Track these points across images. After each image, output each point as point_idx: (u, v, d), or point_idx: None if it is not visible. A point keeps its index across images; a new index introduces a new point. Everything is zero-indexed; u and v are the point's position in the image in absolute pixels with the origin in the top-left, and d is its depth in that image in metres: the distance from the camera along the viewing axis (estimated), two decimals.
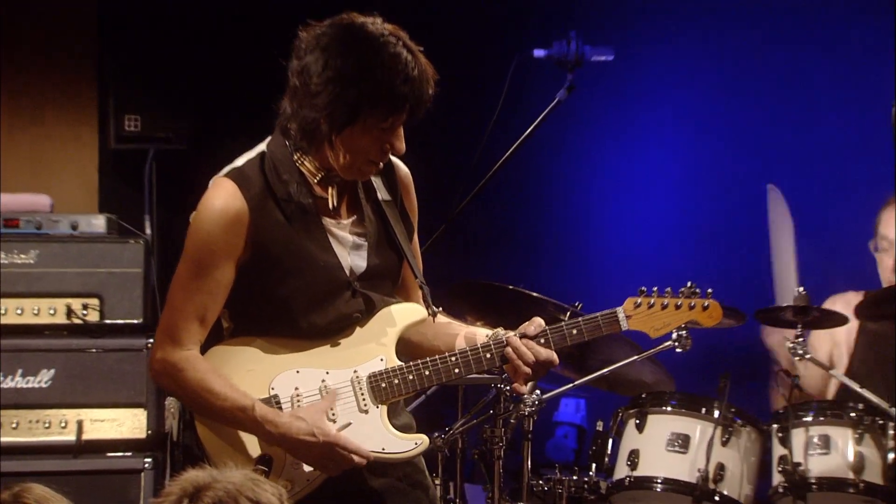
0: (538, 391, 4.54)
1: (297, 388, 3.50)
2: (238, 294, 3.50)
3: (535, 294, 4.93)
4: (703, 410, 4.91)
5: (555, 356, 3.55)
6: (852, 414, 4.80)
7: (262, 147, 3.55)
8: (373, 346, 3.55)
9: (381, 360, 3.55)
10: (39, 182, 5.90)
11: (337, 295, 3.52)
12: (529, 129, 5.27)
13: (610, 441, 5.03)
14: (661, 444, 4.91)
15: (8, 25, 6.02)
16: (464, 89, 5.90)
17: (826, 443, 4.80)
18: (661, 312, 3.62)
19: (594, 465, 5.03)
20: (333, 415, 3.48)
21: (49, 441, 4.97)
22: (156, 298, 5.17)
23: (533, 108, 5.32)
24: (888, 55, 5.92)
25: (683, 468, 4.85)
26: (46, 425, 4.97)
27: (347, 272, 3.53)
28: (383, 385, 3.52)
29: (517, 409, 4.49)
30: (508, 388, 3.83)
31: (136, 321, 5.11)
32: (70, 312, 5.06)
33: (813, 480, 4.75)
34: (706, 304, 3.63)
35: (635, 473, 4.90)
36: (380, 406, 3.52)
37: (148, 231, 5.86)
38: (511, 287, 4.99)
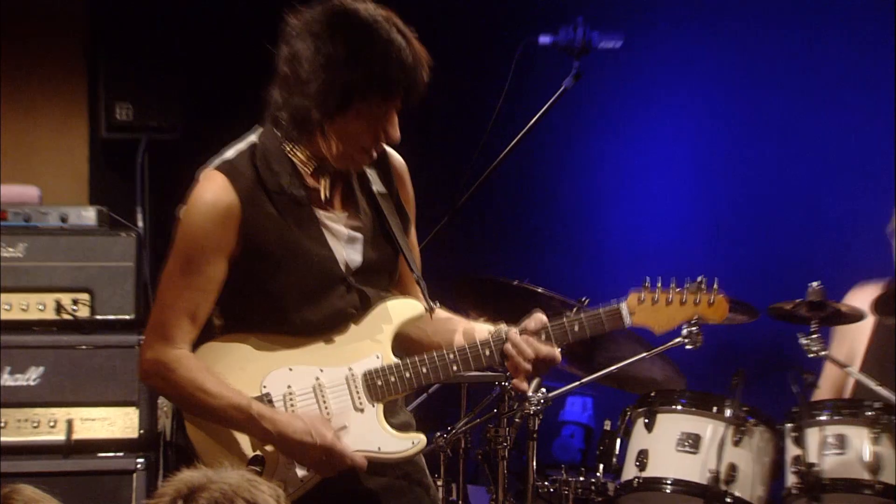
0: (543, 389, 4.51)
1: (289, 387, 3.47)
2: (230, 290, 3.47)
3: (540, 289, 4.93)
4: (715, 409, 4.86)
5: (556, 353, 3.53)
6: (869, 413, 4.75)
7: (251, 137, 3.54)
8: (368, 343, 3.53)
9: (377, 357, 3.52)
10: (27, 173, 5.90)
11: (331, 290, 3.49)
12: (535, 119, 5.26)
13: (618, 441, 4.98)
14: (671, 444, 4.85)
15: None
16: (467, 77, 5.93)
17: (842, 442, 4.74)
18: (665, 308, 3.61)
19: (602, 466, 4.99)
20: (328, 414, 3.46)
21: (38, 441, 4.92)
22: (148, 293, 5.17)
23: (538, 96, 5.29)
24: None
25: (694, 469, 4.79)
26: (35, 424, 4.93)
27: (342, 266, 3.50)
28: (379, 383, 3.50)
29: (522, 407, 4.43)
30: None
31: (127, 317, 5.08)
32: (60, 308, 5.02)
33: (828, 481, 4.69)
34: (712, 299, 3.62)
35: (644, 474, 4.85)
36: (376, 404, 3.50)
37: (140, 224, 5.85)
38: (515, 282, 4.98)
